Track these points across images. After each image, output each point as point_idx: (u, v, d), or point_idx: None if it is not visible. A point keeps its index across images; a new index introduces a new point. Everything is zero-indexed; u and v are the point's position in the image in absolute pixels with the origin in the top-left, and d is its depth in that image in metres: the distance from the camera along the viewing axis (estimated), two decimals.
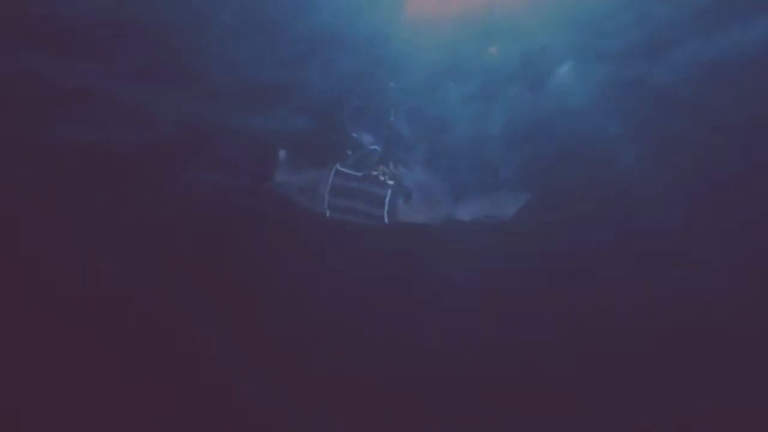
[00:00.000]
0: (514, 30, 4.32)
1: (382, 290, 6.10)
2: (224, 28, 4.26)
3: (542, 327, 6.26)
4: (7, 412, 5.95)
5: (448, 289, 5.96)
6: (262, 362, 6.51)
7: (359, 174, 4.61)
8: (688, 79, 4.78)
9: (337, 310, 6.24)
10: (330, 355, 6.49)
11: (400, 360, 6.44)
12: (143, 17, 4.16)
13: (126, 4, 4.10)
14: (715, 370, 5.84)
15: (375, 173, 4.62)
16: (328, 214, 4.63)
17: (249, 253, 6.18)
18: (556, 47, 4.49)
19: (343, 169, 4.62)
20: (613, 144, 5.27)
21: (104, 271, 6.04)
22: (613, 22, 4.34)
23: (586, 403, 6.13)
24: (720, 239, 5.65)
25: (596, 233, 5.81)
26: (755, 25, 4.40)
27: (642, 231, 5.80)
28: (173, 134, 5.08)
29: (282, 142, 5.04)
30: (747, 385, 5.72)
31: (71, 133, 5.04)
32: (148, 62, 4.48)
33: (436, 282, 5.99)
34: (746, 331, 5.73)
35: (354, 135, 4.80)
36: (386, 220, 4.64)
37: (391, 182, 4.62)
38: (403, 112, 4.92)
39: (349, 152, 4.72)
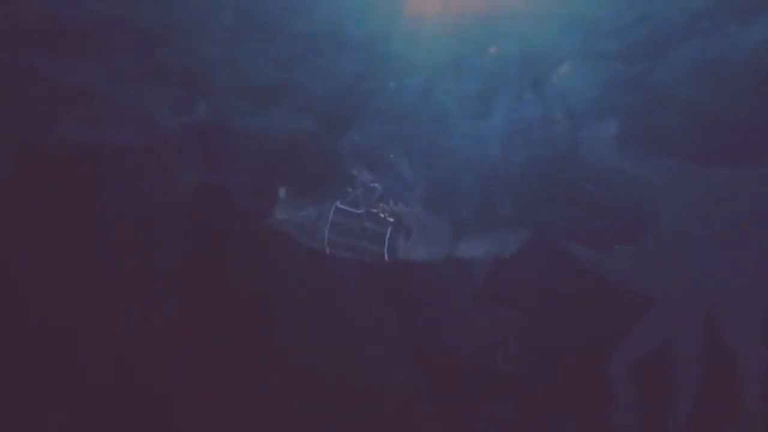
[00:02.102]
0: (514, 30, 4.32)
1: (382, 290, 6.10)
2: (224, 28, 4.26)
3: (542, 326, 6.26)
4: (6, 410, 5.96)
5: (447, 288, 5.96)
6: (260, 362, 6.51)
7: (359, 211, 4.60)
8: (688, 79, 4.77)
9: (337, 309, 6.24)
10: (330, 355, 6.49)
11: (399, 360, 6.43)
12: (143, 17, 4.16)
13: (126, 4, 4.10)
14: (715, 371, 5.83)
15: (375, 210, 4.61)
16: (327, 251, 4.64)
17: (248, 253, 6.17)
18: (556, 47, 4.48)
19: (342, 207, 4.61)
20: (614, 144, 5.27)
21: (103, 270, 6.03)
22: (613, 22, 4.33)
23: (586, 402, 6.13)
24: (720, 239, 5.65)
25: (596, 233, 5.81)
26: (755, 25, 4.40)
27: (642, 230, 5.80)
28: (173, 134, 5.08)
29: (282, 142, 5.04)
30: (746, 386, 5.72)
31: (71, 133, 5.04)
32: (148, 62, 4.48)
33: (436, 281, 5.98)
34: (746, 331, 5.73)
35: (354, 172, 4.79)
36: (386, 257, 4.64)
37: (391, 219, 4.61)
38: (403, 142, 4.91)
39: (349, 189, 4.72)
